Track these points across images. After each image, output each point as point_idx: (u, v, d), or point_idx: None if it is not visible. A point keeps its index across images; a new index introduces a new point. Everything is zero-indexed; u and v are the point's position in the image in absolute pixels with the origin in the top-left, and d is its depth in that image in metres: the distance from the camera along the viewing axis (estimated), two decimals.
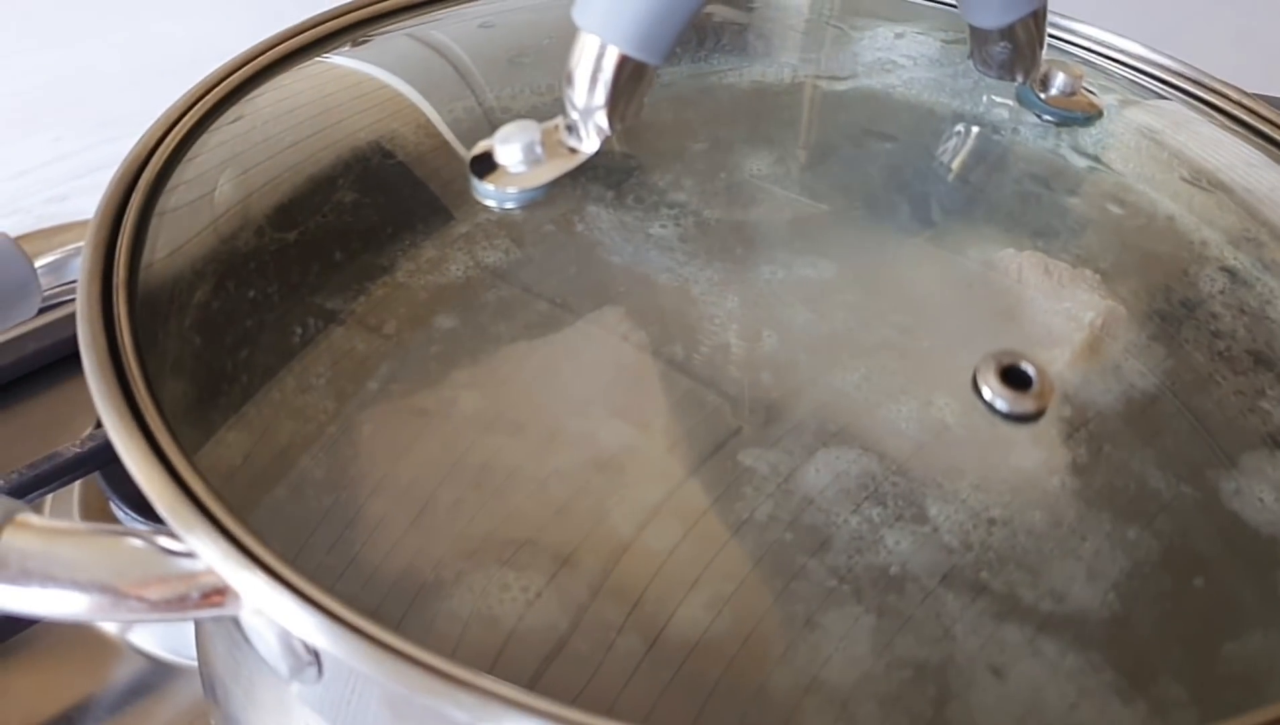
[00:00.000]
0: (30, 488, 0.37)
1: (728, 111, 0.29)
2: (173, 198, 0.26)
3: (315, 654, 0.21)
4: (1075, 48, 0.32)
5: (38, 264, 0.26)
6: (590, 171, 0.25)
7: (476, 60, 0.30)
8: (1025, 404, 0.22)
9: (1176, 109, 0.31)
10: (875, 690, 0.19)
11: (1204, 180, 0.28)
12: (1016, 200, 0.27)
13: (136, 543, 0.20)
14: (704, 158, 0.27)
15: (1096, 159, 0.28)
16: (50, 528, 0.20)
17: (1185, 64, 0.31)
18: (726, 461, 0.21)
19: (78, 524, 0.21)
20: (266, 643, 0.21)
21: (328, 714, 0.21)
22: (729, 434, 0.22)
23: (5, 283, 0.26)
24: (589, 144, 0.24)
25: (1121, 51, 0.32)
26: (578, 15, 0.23)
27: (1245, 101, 0.30)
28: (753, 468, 0.21)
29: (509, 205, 0.24)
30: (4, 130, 0.55)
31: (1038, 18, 0.27)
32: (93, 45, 0.61)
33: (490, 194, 0.24)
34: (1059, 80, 0.29)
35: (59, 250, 0.27)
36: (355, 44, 0.31)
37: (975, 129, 0.29)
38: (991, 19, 0.27)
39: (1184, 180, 0.28)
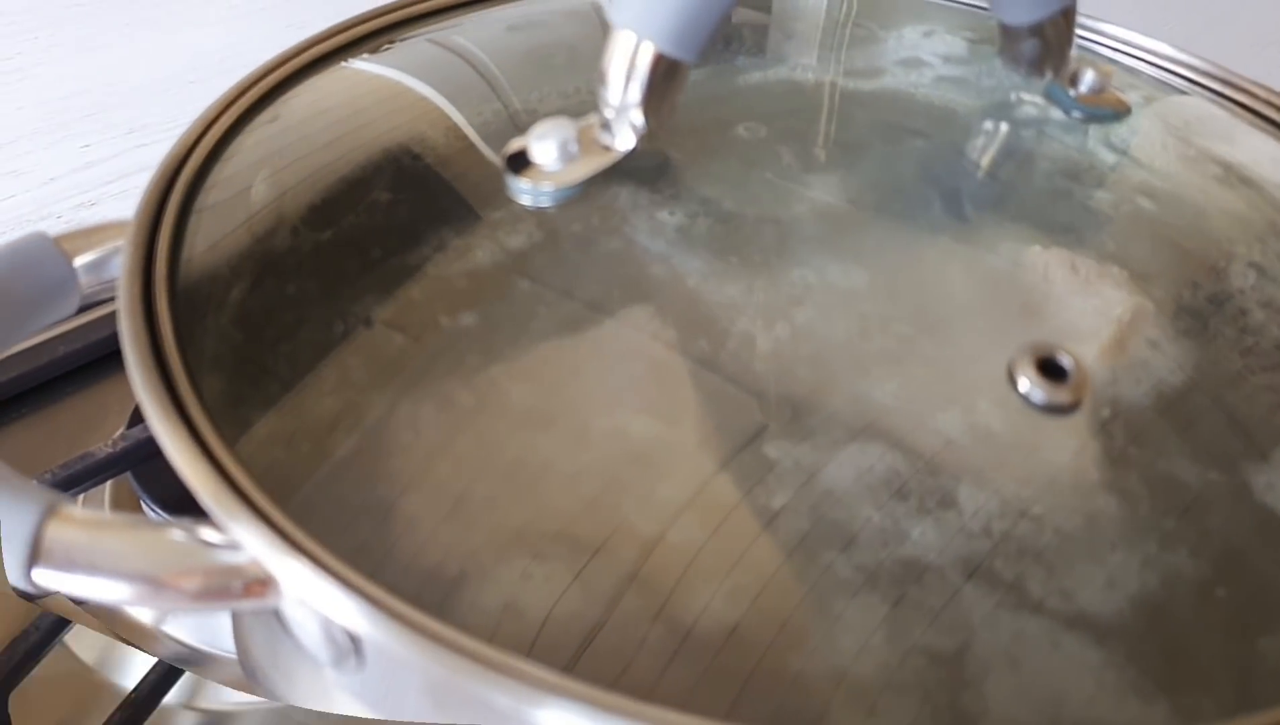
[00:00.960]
0: (63, 487, 0.38)
1: (758, 110, 0.29)
2: (210, 196, 0.26)
3: (356, 642, 0.21)
4: (1103, 48, 0.32)
5: (76, 263, 0.27)
6: (624, 169, 0.25)
7: (506, 63, 0.30)
8: (1061, 396, 0.22)
9: (1204, 106, 0.31)
10: (902, 679, 0.19)
11: (1232, 176, 0.28)
12: (1045, 197, 0.27)
13: (178, 535, 0.21)
14: (736, 156, 0.27)
15: (1125, 154, 0.28)
16: (94, 519, 0.21)
17: (1212, 63, 0.32)
18: (754, 456, 0.21)
19: (120, 516, 0.22)
20: (308, 632, 0.21)
21: (369, 701, 0.22)
22: (756, 430, 0.22)
23: (45, 281, 0.26)
24: (624, 141, 0.24)
25: (1150, 51, 0.32)
26: (613, 12, 0.23)
27: (1273, 99, 0.30)
28: (779, 461, 0.21)
29: (543, 202, 0.25)
30: (34, 138, 0.55)
31: (1067, 16, 0.27)
32: (121, 54, 0.62)
33: (525, 191, 0.25)
34: (1088, 77, 0.29)
35: (98, 249, 0.27)
36: (382, 48, 0.31)
37: (1004, 126, 0.29)
38: (1021, 16, 0.27)
39: (1212, 177, 0.28)
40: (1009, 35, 0.28)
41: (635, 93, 0.23)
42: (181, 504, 0.37)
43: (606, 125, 0.24)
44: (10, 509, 0.20)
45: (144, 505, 0.39)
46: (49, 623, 0.38)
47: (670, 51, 0.23)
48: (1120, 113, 0.29)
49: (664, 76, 0.23)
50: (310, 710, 0.35)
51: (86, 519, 0.21)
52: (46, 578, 0.20)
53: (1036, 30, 0.27)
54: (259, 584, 0.20)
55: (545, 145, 0.24)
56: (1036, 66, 0.28)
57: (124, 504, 0.41)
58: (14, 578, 0.21)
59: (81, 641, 0.40)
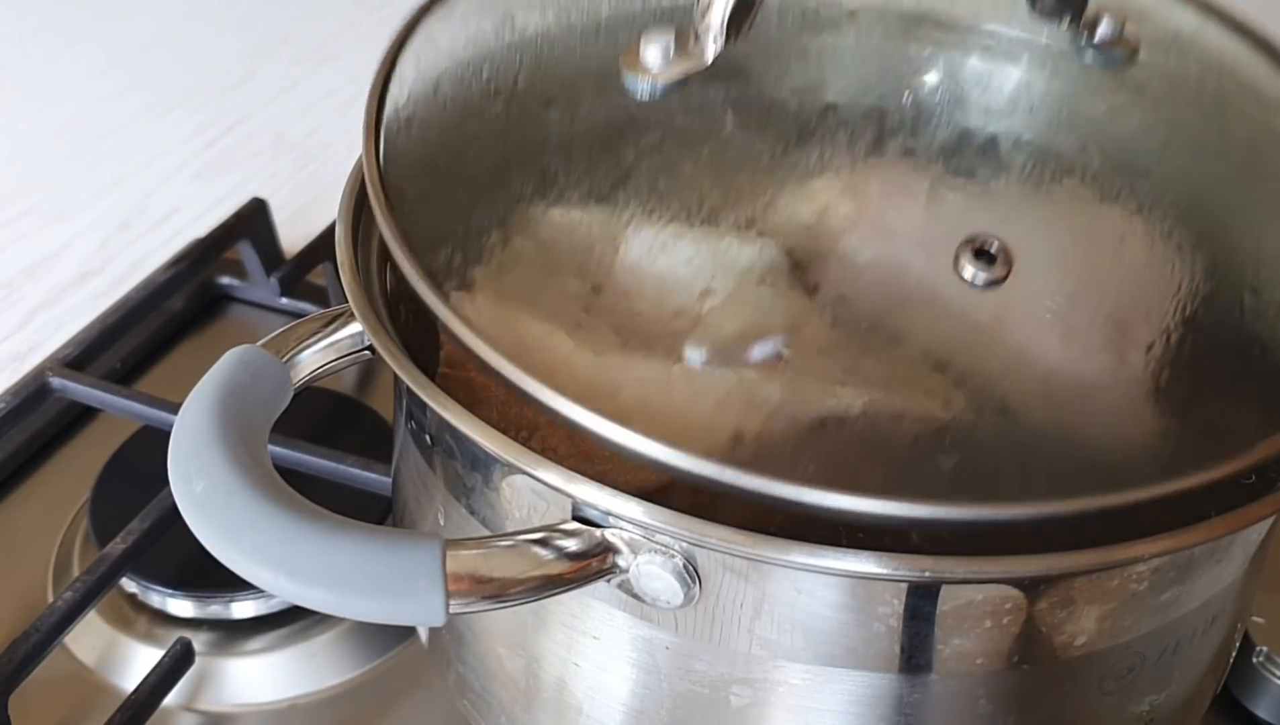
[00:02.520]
0: (94, 592, 0.40)
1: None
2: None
3: (694, 571, 0.26)
4: None
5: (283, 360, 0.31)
6: (706, 72, 0.33)
7: None
8: None
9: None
10: None
11: None
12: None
13: (535, 541, 0.26)
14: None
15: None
16: (478, 547, 0.26)
17: None
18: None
19: (489, 536, 0.28)
20: (654, 578, 0.26)
21: (700, 637, 0.28)
22: None
23: (271, 388, 0.30)
24: (709, 53, 0.33)
25: None
26: None
27: None
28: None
29: (643, 94, 0.33)
30: None
31: None
32: None
33: (635, 85, 0.33)
34: (1104, 25, 0.36)
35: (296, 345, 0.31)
36: None
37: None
38: None
39: None
40: None
41: (718, 16, 0.32)
42: (180, 580, 0.43)
43: (698, 38, 0.33)
44: (415, 555, 0.25)
45: (140, 588, 0.43)
46: (49, 623, 0.39)
47: None
48: (1133, 54, 0.36)
49: (741, 6, 0.32)
50: (310, 710, 0.41)
51: (473, 548, 0.26)
52: (460, 606, 0.25)
53: None
54: (611, 551, 0.26)
55: (652, 50, 0.33)
56: (1056, 14, 0.35)
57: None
58: (435, 618, 0.25)
59: (81, 642, 0.42)
